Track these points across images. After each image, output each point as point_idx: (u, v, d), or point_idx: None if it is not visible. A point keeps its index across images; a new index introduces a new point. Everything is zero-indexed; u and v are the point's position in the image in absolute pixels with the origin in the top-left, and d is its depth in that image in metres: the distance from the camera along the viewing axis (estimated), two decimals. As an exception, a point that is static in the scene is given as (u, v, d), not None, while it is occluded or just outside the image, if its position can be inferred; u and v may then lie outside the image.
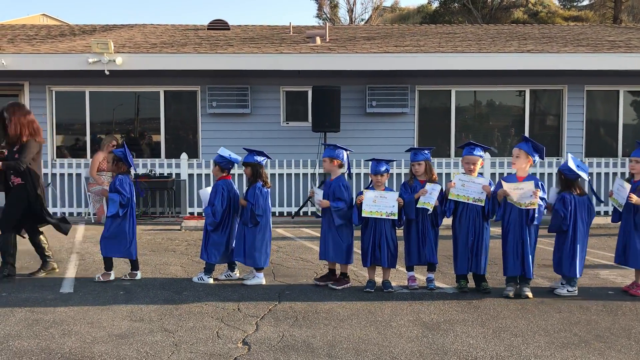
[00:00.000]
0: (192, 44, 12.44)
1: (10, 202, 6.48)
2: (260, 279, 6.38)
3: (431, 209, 6.04)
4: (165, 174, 11.37)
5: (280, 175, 11.59)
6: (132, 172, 6.68)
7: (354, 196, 6.21)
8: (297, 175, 11.52)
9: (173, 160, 11.57)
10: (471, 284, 6.14)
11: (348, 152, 6.35)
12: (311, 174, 11.55)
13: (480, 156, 6.12)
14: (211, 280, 6.39)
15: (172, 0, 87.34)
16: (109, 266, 6.46)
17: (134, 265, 6.55)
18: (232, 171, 6.90)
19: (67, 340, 4.54)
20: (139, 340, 4.55)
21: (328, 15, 41.67)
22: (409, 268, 6.29)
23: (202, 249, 6.51)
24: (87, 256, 7.74)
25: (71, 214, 11.42)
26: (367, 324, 5.01)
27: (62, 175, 11.49)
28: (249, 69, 11.24)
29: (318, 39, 12.72)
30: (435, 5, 38.21)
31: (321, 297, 5.79)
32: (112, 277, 6.43)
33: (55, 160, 11.66)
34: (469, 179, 6.04)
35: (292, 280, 6.52)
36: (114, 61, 10.78)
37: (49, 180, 11.36)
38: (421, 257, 6.19)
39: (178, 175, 11.41)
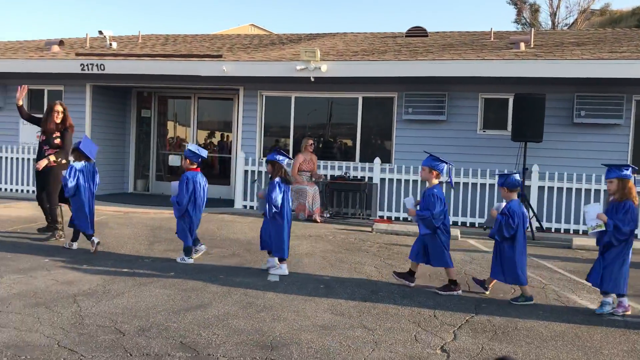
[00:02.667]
0: (391, 52, 12.69)
1: (55, 180, 7.96)
2: (283, 270, 6.68)
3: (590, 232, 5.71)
4: (359, 177, 11.76)
5: (474, 184, 11.34)
6: (92, 160, 7.55)
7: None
8: (491, 185, 11.15)
9: (367, 164, 11.91)
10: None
11: (449, 165, 6.56)
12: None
13: None
14: (191, 260, 7.06)
15: (369, 9, 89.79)
16: (75, 237, 7.59)
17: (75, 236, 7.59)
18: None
19: (277, 325, 4.92)
20: (341, 334, 4.76)
21: (528, 20, 39.66)
22: (619, 294, 5.75)
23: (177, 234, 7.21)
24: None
25: (272, 209, 12.31)
26: (574, 348, 4.68)
27: (267, 173, 12.42)
28: (448, 75, 11.14)
29: (522, 45, 12.20)
30: (654, 5, 34.32)
31: (521, 314, 5.55)
32: (75, 247, 7.55)
33: (262, 159, 12.64)
34: None
35: (488, 293, 6.33)
36: (320, 68, 11.41)
37: (255, 177, 12.39)
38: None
39: (370, 178, 11.73)
